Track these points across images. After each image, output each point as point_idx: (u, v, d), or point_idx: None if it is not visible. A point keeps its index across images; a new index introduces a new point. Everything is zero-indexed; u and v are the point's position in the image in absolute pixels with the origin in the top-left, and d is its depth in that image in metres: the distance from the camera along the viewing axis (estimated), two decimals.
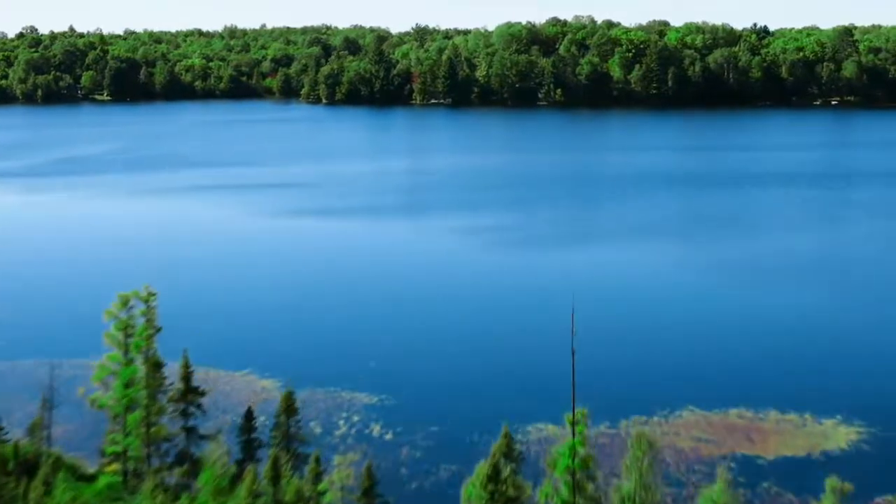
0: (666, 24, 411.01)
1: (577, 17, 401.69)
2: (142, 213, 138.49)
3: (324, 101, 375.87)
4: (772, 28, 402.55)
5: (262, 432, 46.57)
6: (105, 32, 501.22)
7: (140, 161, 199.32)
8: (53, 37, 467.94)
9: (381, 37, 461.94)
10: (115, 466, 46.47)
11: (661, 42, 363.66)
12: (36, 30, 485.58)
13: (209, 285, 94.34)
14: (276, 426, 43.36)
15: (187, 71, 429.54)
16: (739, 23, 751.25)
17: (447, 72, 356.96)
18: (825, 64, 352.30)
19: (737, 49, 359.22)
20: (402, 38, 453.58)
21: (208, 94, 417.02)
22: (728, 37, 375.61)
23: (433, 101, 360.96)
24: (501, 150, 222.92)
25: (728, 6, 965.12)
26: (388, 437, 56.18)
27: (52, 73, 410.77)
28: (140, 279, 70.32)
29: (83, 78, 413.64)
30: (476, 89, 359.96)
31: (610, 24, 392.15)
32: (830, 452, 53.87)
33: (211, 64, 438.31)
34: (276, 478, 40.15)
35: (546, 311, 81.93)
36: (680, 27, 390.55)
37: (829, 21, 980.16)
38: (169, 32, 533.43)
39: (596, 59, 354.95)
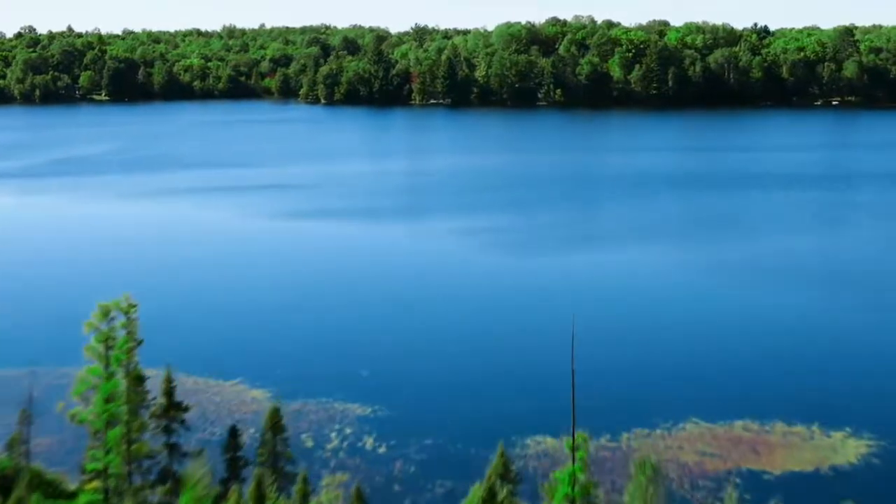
0: (666, 24, 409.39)
1: (576, 17, 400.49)
2: (138, 215, 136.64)
3: (322, 101, 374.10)
4: (772, 28, 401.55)
5: (249, 450, 44.74)
6: (103, 32, 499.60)
7: (138, 161, 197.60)
8: (51, 37, 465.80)
9: (380, 37, 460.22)
10: (96, 484, 44.50)
11: (662, 42, 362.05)
12: (34, 29, 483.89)
13: (202, 288, 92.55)
14: (263, 443, 41.52)
15: (186, 71, 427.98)
16: (740, 23, 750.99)
17: (446, 72, 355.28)
18: (826, 64, 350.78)
19: (737, 49, 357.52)
20: (401, 38, 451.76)
21: (207, 95, 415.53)
22: (728, 37, 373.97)
23: (432, 101, 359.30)
24: (501, 150, 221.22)
25: (728, 6, 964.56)
26: (382, 450, 54.33)
27: (50, 73, 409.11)
28: (132, 282, 68.69)
29: (81, 78, 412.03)
30: (475, 89, 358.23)
31: (610, 24, 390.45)
32: (840, 467, 51.97)
33: (209, 64, 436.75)
34: (260, 498, 38.33)
35: (545, 315, 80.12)
36: (680, 27, 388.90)
37: (829, 21, 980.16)
38: (167, 32, 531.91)
39: (596, 60, 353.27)
